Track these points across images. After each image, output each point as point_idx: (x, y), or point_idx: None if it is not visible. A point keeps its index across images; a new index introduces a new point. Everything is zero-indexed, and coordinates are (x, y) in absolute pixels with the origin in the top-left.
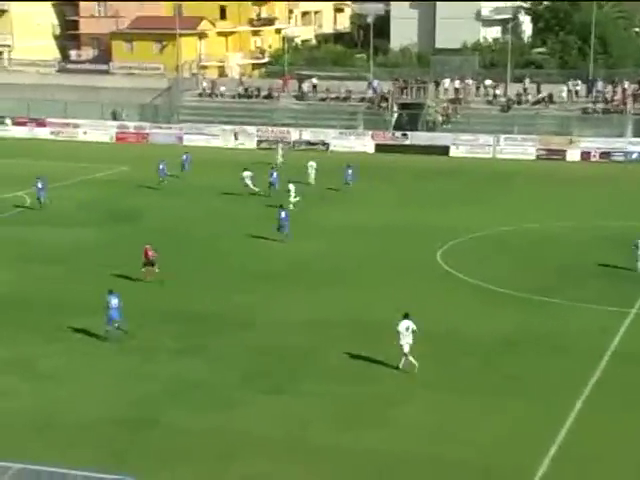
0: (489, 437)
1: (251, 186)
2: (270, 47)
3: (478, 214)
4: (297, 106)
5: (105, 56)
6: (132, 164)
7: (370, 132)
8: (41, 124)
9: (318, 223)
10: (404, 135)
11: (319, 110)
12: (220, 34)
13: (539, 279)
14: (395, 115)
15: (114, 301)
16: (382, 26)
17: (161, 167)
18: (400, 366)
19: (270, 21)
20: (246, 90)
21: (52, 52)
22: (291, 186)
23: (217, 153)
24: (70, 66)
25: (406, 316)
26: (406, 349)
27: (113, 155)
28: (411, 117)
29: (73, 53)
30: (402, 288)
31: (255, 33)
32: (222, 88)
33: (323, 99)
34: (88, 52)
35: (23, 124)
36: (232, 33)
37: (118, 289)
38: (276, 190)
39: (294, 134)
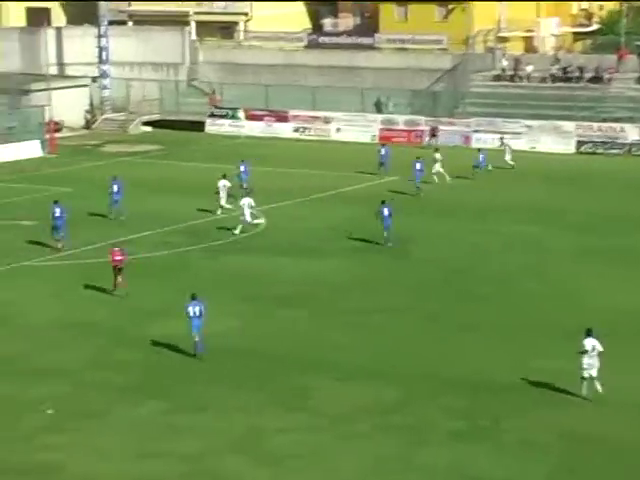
0: None
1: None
2: (601, 9)
3: None
4: (638, 93)
5: (370, 26)
6: (400, 172)
7: None
8: (282, 118)
9: None
10: None
11: None
12: None
13: None
14: None
15: (193, 309)
16: None
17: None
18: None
19: None
20: (564, 70)
21: (300, 21)
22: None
23: (517, 159)
24: (323, 39)
25: (589, 332)
26: (594, 373)
27: (374, 160)
28: None
29: (327, 22)
30: None
31: None
32: (529, 68)
33: None
34: (347, 21)
35: (259, 118)
36: None
37: (382, 343)
38: None
39: (631, 133)
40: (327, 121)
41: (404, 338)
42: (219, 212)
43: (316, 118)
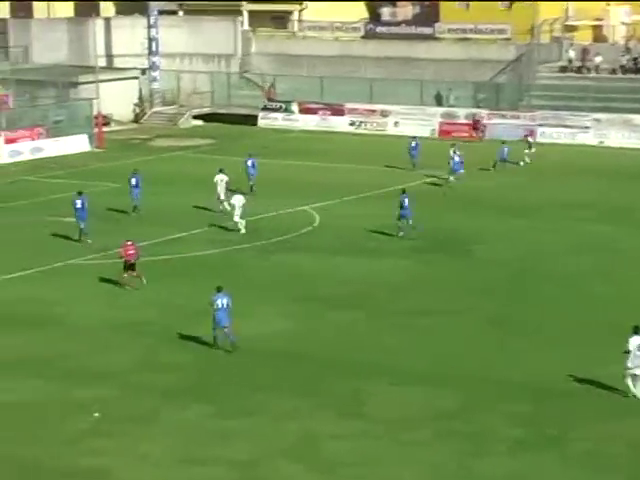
0: None
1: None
2: None
3: None
4: None
5: (429, 15)
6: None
7: None
8: (337, 112)
9: None
10: None
11: None
12: None
13: None
14: None
15: (221, 301)
16: None
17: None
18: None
19: None
20: (635, 61)
21: (357, 11)
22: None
23: (584, 154)
24: (381, 29)
25: (637, 330)
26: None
27: (435, 155)
28: None
29: (386, 11)
30: None
31: None
32: (597, 59)
33: None
34: (406, 10)
35: (313, 112)
36: None
37: (440, 346)
38: None
39: None
40: (384, 115)
41: (464, 341)
42: (221, 208)
43: (373, 112)
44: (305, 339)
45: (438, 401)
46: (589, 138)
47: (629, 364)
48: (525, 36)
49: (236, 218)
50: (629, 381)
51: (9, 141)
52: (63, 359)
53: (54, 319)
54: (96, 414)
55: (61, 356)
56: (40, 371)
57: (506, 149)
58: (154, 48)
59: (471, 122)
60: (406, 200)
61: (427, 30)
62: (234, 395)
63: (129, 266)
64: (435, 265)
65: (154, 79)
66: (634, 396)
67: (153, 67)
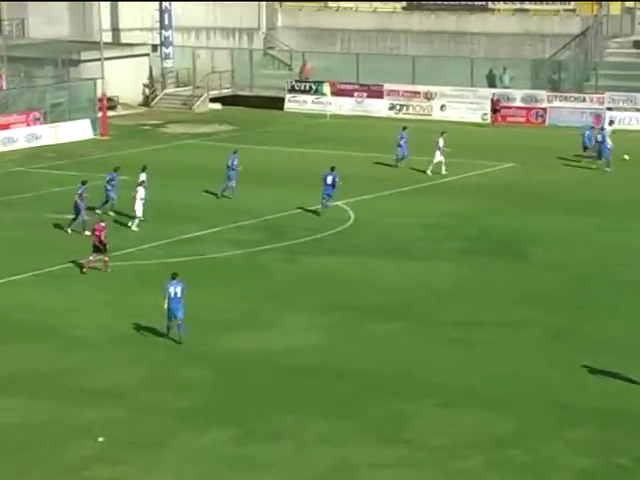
0: None
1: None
2: None
3: None
4: None
5: None
6: (524, 156)
7: None
8: (375, 94)
9: None
10: None
11: None
12: None
13: None
14: None
15: (173, 289)
16: None
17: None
18: None
19: None
20: None
21: None
22: None
23: None
24: (426, 1)
25: None
26: None
27: (487, 142)
28: None
29: None
30: None
31: None
32: None
33: None
34: None
35: (348, 93)
36: None
37: (494, 364)
38: None
39: None
40: (429, 97)
41: (521, 357)
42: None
43: (416, 93)
44: (339, 354)
45: (491, 426)
46: None
47: None
48: (592, 6)
49: (139, 213)
50: None
51: (1, 127)
52: (62, 375)
53: (52, 329)
54: (100, 439)
55: (60, 372)
56: (36, 389)
57: (588, 132)
58: (167, 21)
59: (490, 102)
60: (329, 178)
61: (479, 1)
62: (258, 417)
63: (96, 248)
64: (487, 270)
65: (166, 56)
66: None
67: (165, 43)
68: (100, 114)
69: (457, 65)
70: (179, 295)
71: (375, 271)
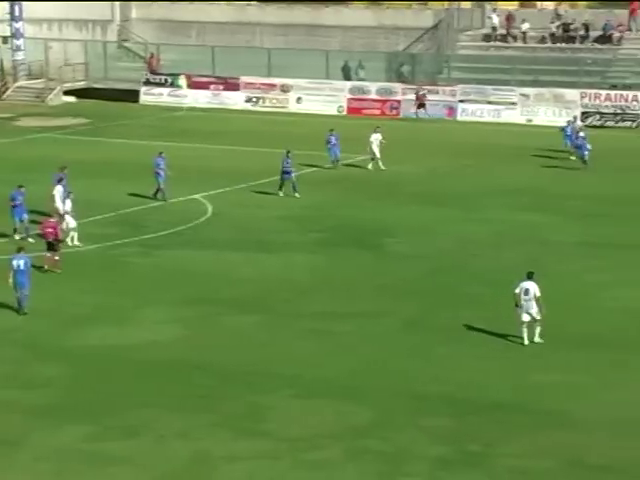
0: None
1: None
2: None
3: None
4: None
5: None
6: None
7: None
8: (232, 86)
9: None
10: None
11: None
12: None
13: None
14: None
15: (17, 262)
16: None
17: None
18: None
19: None
20: (565, 28)
21: None
22: None
23: (511, 134)
24: None
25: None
26: None
27: (344, 134)
28: None
29: None
30: None
31: None
32: (524, 26)
33: None
34: None
35: (204, 86)
36: None
37: (351, 354)
38: None
39: None
40: (285, 90)
41: (377, 348)
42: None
43: (272, 86)
44: (196, 347)
45: (348, 416)
46: (516, 116)
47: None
48: (443, 1)
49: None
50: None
51: None
52: None
53: None
54: None
55: None
56: None
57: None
58: (17, 13)
59: (415, 96)
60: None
61: None
62: (114, 413)
63: (49, 245)
64: (344, 261)
65: (18, 48)
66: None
67: (16, 35)
68: None
69: (313, 58)
70: (22, 268)
71: (232, 264)
